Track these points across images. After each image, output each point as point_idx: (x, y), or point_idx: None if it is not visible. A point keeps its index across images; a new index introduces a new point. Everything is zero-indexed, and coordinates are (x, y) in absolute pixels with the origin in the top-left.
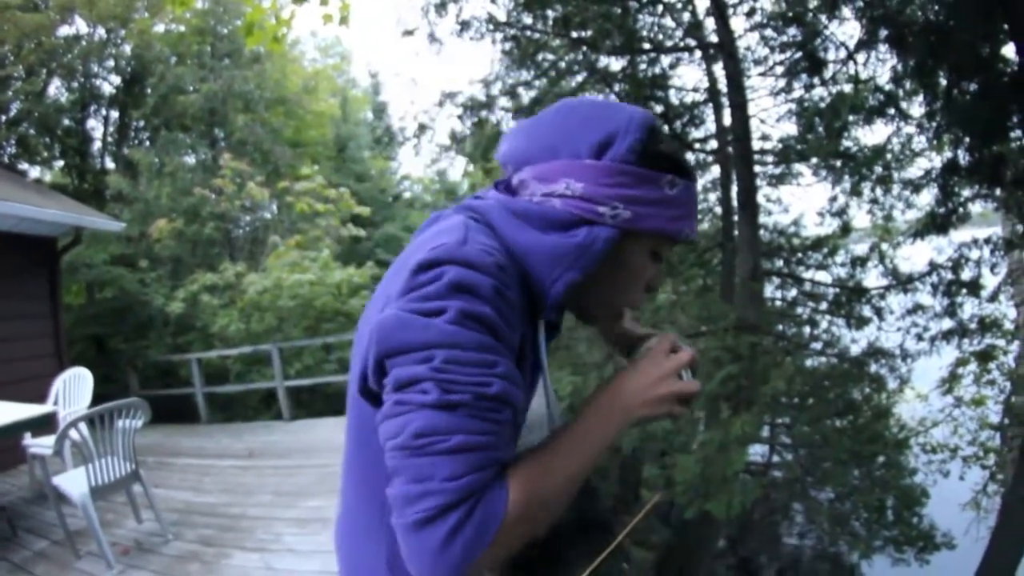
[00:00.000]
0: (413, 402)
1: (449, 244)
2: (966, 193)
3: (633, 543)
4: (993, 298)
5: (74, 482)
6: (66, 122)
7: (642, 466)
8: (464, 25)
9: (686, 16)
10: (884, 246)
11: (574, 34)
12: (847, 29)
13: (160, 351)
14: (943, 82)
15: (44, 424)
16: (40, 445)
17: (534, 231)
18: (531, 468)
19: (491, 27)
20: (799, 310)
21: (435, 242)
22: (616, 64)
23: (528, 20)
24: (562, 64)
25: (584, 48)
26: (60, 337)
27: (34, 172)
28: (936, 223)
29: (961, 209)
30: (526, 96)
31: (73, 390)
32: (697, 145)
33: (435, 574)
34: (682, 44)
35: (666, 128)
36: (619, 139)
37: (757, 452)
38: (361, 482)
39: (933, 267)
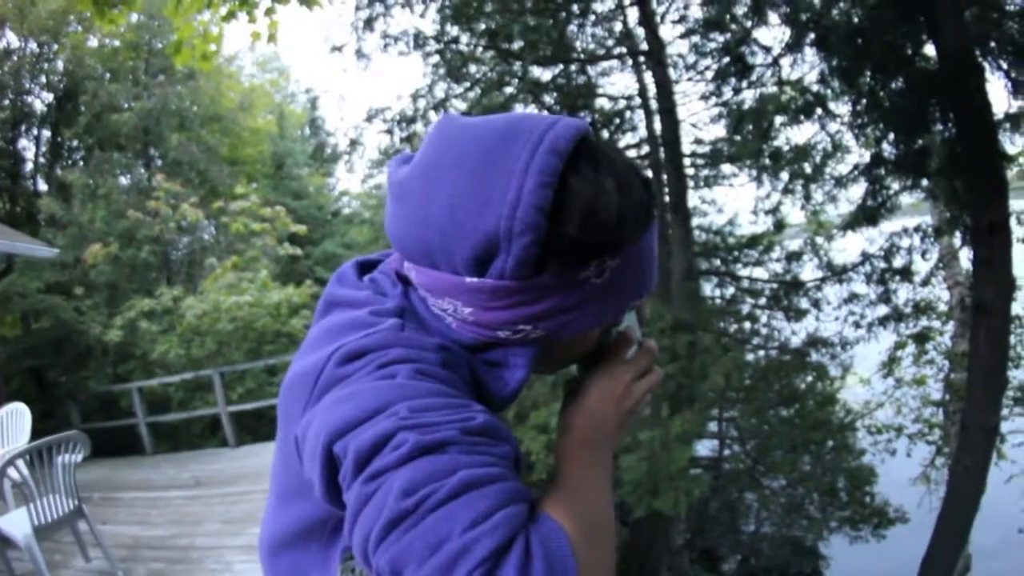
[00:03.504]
0: (388, 465)
1: (385, 331)
2: (895, 186)
3: None
4: (926, 283)
5: (16, 523)
6: None
7: None
8: (391, 40)
9: (617, 26)
10: (818, 240)
11: (503, 46)
12: (774, 33)
13: (101, 381)
14: (868, 81)
15: None
16: None
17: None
18: (559, 504)
19: (420, 42)
20: (738, 307)
21: (360, 332)
22: (546, 75)
23: (455, 33)
24: (492, 75)
25: (513, 60)
26: None
27: None
28: (866, 215)
29: (890, 201)
30: (455, 109)
31: (11, 427)
32: (630, 152)
33: None
34: (613, 53)
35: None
36: (501, 250)
37: (708, 447)
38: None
39: (866, 257)
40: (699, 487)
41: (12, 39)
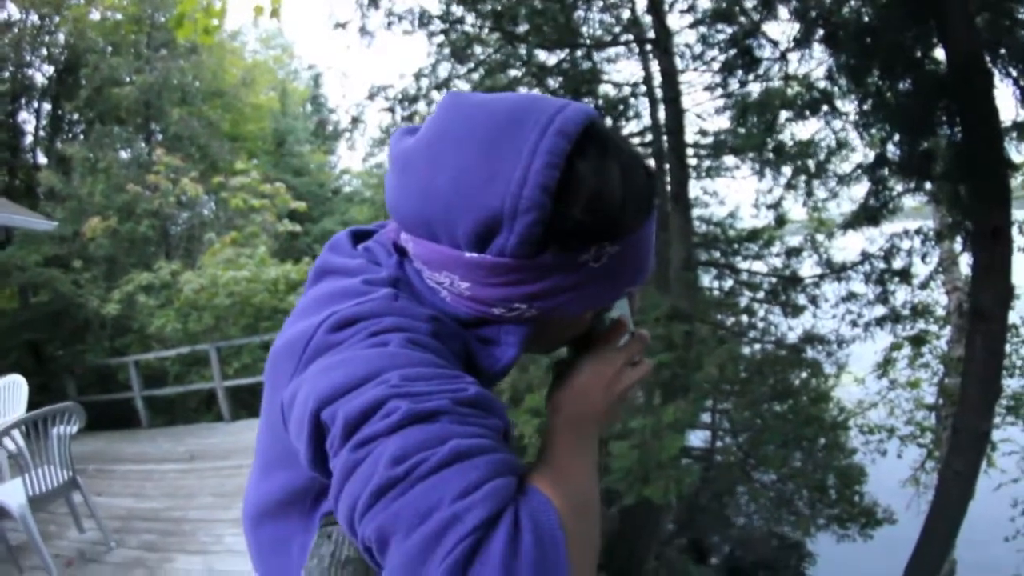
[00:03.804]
0: (378, 432)
1: (379, 299)
2: (898, 188)
3: None
4: (925, 286)
5: (11, 494)
6: None
7: None
8: (395, 18)
9: (625, 13)
10: (819, 237)
11: (508, 28)
12: (783, 28)
13: (98, 355)
14: (875, 80)
15: None
16: None
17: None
18: (548, 479)
19: (424, 20)
20: (736, 299)
21: (352, 300)
22: (552, 59)
23: (460, 13)
24: (496, 57)
25: (518, 42)
26: None
27: None
28: (868, 215)
29: (892, 202)
30: (459, 90)
31: (7, 398)
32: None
33: None
34: (620, 40)
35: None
36: (504, 227)
37: (700, 438)
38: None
39: (866, 257)
40: (690, 477)
41: (13, 11)
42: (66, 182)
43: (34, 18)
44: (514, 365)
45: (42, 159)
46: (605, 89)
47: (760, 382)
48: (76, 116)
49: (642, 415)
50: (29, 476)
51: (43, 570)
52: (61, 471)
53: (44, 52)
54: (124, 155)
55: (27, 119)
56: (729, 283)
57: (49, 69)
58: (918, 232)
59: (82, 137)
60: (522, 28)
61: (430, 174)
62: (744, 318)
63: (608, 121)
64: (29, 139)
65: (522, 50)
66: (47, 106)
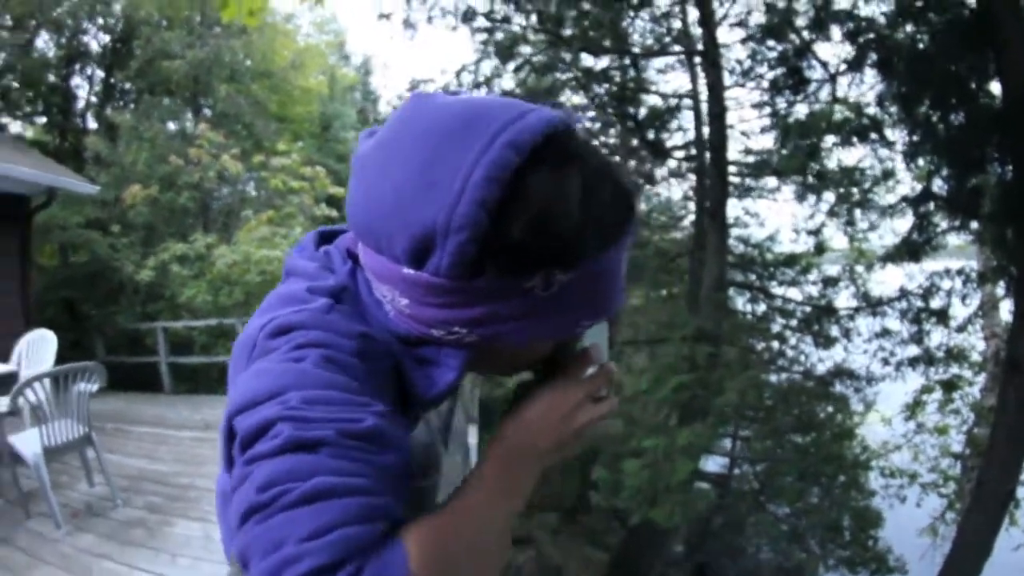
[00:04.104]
0: (261, 453)
1: (313, 310)
2: (943, 224)
3: (588, 543)
4: (962, 329)
5: (28, 442)
6: (51, 78)
7: (591, 468)
8: (439, 12)
9: (675, 24)
10: (858, 268)
11: (555, 30)
12: (836, 50)
13: (129, 319)
14: (927, 110)
15: (3, 383)
16: None
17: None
18: (433, 529)
19: (469, 17)
20: (768, 325)
21: (292, 307)
22: (597, 64)
23: (506, 12)
24: (542, 59)
25: (564, 45)
26: (27, 296)
27: (15, 126)
28: (909, 250)
29: (935, 239)
30: (502, 89)
31: (36, 351)
32: (679, 153)
33: None
34: (669, 50)
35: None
36: (438, 245)
37: (719, 464)
38: None
39: (904, 293)
40: (700, 501)
41: None
42: (112, 149)
43: None
44: (454, 388)
45: (92, 124)
46: (651, 100)
47: (784, 412)
48: (128, 85)
49: (656, 435)
50: (47, 428)
51: (50, 517)
52: (78, 426)
53: (100, 21)
54: (171, 127)
55: (80, 84)
56: (762, 308)
57: (104, 38)
58: (960, 272)
59: (132, 106)
60: (568, 31)
61: (377, 181)
62: (775, 344)
63: (651, 134)
64: (81, 104)
65: (568, 55)
66: (100, 73)
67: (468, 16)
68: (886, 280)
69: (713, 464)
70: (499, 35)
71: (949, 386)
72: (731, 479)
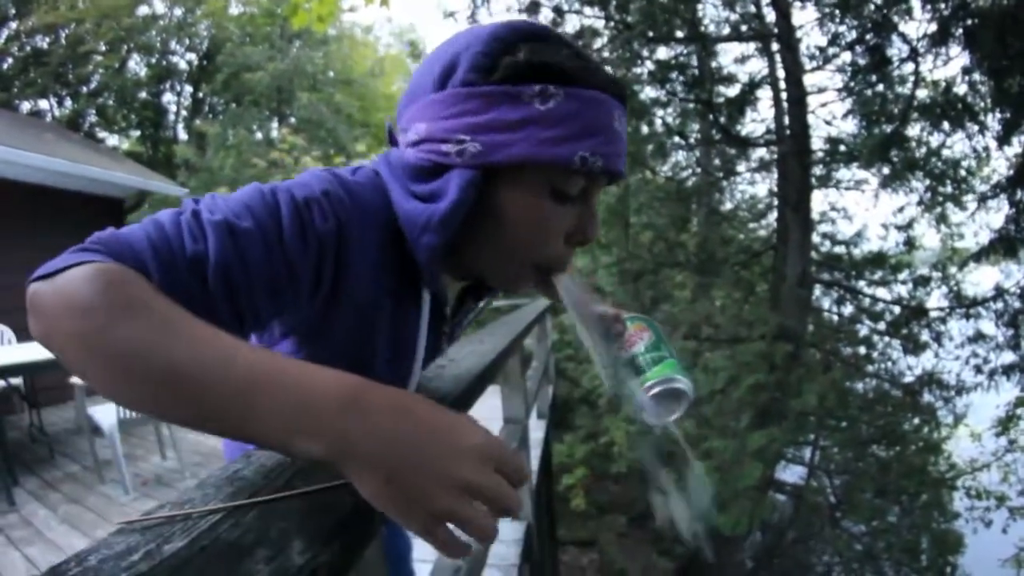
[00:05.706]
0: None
1: (330, 176)
2: None
3: (655, 550)
4: None
5: (105, 414)
6: (143, 95)
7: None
8: (501, 7)
9: (749, 8)
10: (951, 267)
11: (622, 18)
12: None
13: None
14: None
15: None
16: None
17: (398, 187)
18: (163, 309)
19: (532, 8)
20: (855, 327)
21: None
22: (668, 53)
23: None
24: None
25: (629, 32)
26: None
27: (112, 140)
28: (1005, 244)
29: None
30: None
31: None
32: (763, 141)
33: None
34: (742, 34)
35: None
36: (461, 60)
37: (797, 474)
38: None
39: (999, 292)
40: (768, 510)
41: (158, 5)
42: (200, 156)
43: (178, 12)
44: (458, 216)
45: (182, 135)
46: (726, 90)
47: (867, 421)
48: (214, 98)
49: (726, 437)
50: None
51: (120, 484)
52: None
53: (187, 41)
54: (258, 135)
55: (171, 99)
56: (849, 309)
57: (191, 56)
58: None
59: (220, 117)
60: (634, 19)
61: (427, 58)
62: (861, 349)
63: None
64: (171, 117)
65: (636, 45)
66: (188, 88)
67: (532, 8)
68: (981, 280)
69: (791, 474)
70: (566, 27)
71: None
72: (807, 490)
